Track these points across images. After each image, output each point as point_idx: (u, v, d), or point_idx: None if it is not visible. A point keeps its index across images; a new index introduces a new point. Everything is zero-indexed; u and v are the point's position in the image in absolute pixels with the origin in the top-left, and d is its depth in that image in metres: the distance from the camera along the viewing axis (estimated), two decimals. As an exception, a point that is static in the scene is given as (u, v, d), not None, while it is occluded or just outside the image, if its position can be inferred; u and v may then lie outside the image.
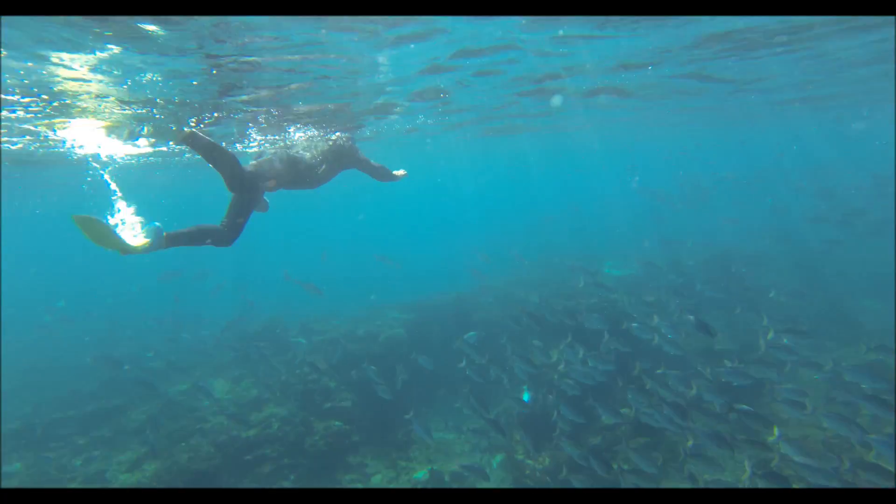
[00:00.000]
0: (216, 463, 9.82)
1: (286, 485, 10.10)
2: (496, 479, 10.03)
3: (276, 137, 11.43)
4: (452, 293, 16.35)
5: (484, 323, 14.28)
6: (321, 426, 11.49)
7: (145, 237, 4.67)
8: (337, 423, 11.66)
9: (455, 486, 9.84)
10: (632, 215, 27.45)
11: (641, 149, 42.14)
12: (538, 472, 9.01)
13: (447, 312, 15.04)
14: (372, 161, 7.24)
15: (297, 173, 6.19)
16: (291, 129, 10.66)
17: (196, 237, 5.05)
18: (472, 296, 16.02)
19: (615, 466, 8.12)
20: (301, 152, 6.49)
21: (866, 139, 40.82)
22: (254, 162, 5.87)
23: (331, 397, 12.46)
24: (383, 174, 7.33)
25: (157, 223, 4.74)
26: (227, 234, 5.30)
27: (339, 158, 6.94)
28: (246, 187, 5.47)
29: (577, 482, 7.92)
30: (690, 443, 7.67)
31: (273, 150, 6.17)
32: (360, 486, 10.40)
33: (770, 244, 18.55)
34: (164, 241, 4.78)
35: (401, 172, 7.61)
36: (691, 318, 7.84)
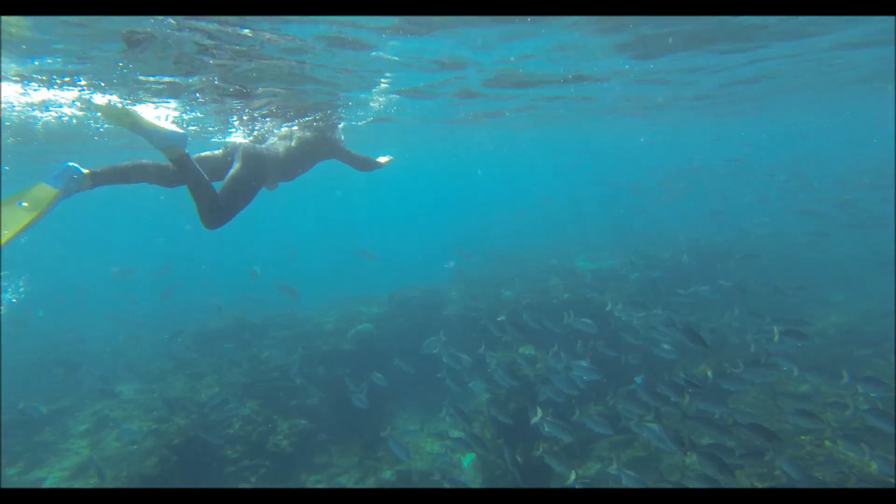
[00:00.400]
0: (170, 467, 9.28)
1: (246, 486, 9.65)
2: (467, 479, 9.80)
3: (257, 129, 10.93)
4: (423, 287, 16.01)
5: (455, 319, 14.01)
6: (286, 425, 11.06)
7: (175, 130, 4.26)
8: (302, 421, 11.25)
9: (424, 486, 9.57)
10: (607, 208, 27.59)
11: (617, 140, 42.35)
12: (509, 472, 8.80)
13: (417, 307, 14.70)
14: (353, 151, 6.85)
15: (262, 168, 5.60)
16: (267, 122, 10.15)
17: (200, 185, 4.44)
18: (444, 290, 15.72)
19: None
20: (275, 144, 6.04)
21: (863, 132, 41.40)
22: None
23: (296, 395, 12.03)
24: (366, 164, 6.96)
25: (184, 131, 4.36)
26: (219, 210, 4.61)
27: (318, 149, 6.51)
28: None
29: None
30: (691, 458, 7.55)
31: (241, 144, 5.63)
32: (324, 485, 10.03)
33: (755, 236, 18.78)
34: (179, 149, 4.31)
35: (386, 159, 7.28)
36: (679, 325, 7.60)
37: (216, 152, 5.44)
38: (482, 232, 27.88)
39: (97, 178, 4.10)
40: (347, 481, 10.06)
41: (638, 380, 8.22)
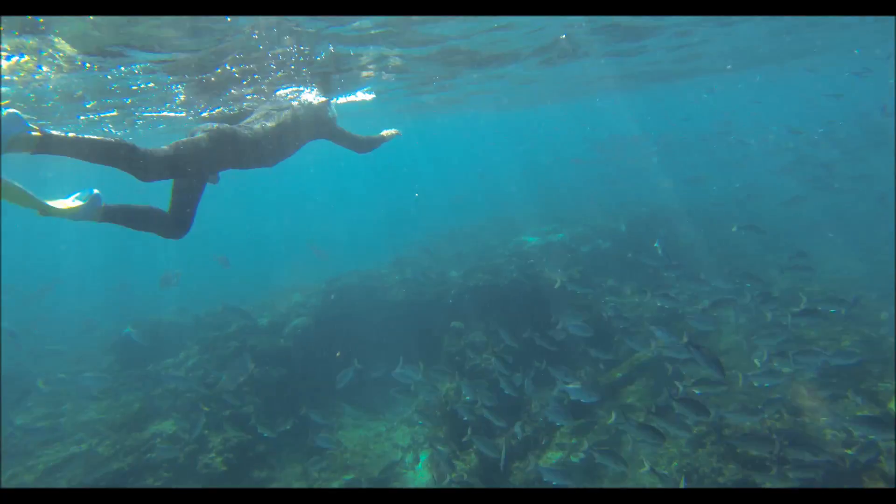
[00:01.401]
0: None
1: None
2: (421, 480, 9.12)
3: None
4: (363, 271, 14.97)
5: (398, 305, 13.12)
6: (218, 440, 9.92)
7: (78, 199, 3.76)
8: (237, 433, 10.16)
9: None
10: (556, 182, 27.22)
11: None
12: (465, 472, 8.16)
13: (358, 294, 13.68)
14: (349, 131, 5.96)
15: (237, 152, 4.69)
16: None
17: (139, 218, 4.15)
18: (386, 273, 14.75)
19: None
20: (250, 124, 5.06)
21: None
22: (175, 143, 4.27)
23: (229, 403, 10.86)
24: (365, 144, 6.08)
25: (97, 190, 3.85)
26: (174, 225, 4.44)
27: (305, 128, 5.53)
28: (177, 174, 4.32)
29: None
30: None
31: (208, 127, 4.58)
32: (267, 505, 9.09)
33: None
34: (100, 211, 3.86)
35: (391, 132, 6.45)
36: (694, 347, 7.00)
37: (197, 137, 4.57)
38: (427, 211, 26.95)
39: (47, 143, 3.44)
40: (291, 497, 9.16)
41: None
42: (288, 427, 10.53)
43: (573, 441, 8.38)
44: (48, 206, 3.60)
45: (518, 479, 7.94)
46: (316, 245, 17.68)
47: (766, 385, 7.17)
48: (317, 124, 5.76)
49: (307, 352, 12.00)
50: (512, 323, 10.23)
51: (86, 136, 3.64)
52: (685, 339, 7.34)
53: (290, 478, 9.55)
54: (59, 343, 15.43)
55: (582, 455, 7.77)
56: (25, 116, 3.37)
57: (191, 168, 4.29)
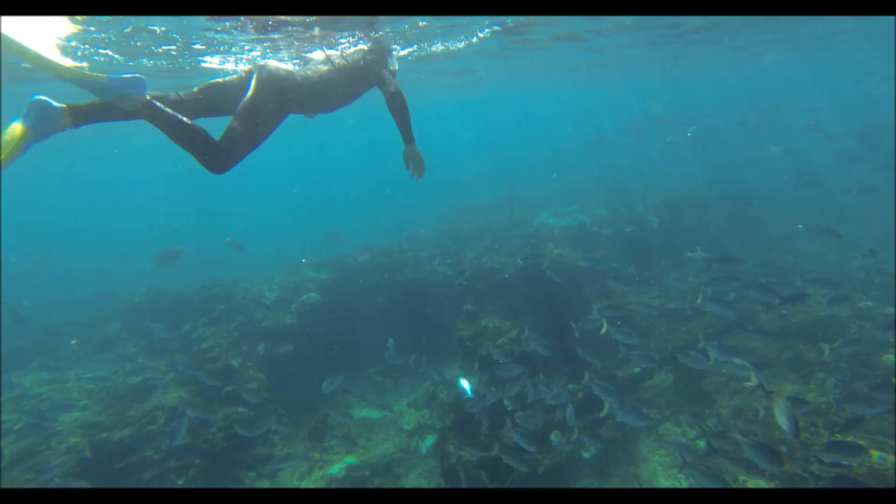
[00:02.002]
0: (66, 483, 7.84)
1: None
2: (425, 469, 8.77)
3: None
4: (376, 248, 14.52)
5: (412, 283, 12.70)
6: (220, 415, 9.70)
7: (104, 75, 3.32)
8: (240, 409, 9.92)
9: (378, 479, 8.52)
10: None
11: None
12: (471, 465, 7.76)
13: (369, 271, 13.28)
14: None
15: (281, 95, 4.30)
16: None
17: (183, 130, 3.52)
18: (399, 251, 14.27)
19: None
20: (307, 67, 4.78)
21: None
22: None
23: (233, 378, 10.62)
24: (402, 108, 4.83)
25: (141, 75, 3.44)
26: (220, 154, 3.70)
27: (363, 77, 4.97)
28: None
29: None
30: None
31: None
32: (266, 482, 8.87)
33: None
34: (140, 99, 3.40)
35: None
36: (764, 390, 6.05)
37: (230, 78, 4.43)
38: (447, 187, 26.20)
39: (77, 114, 3.34)
40: (291, 477, 8.92)
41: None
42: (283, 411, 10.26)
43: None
44: (60, 65, 3.13)
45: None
46: (337, 233, 17.06)
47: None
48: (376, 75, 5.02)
49: (314, 329, 11.68)
50: (532, 313, 9.75)
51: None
52: (754, 381, 6.19)
53: (291, 455, 9.30)
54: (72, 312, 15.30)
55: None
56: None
57: (291, 96, 4.21)
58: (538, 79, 23.89)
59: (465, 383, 8.73)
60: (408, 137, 4.55)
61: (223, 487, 8.64)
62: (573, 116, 52.20)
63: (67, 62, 3.37)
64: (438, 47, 11.82)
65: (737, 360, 6.42)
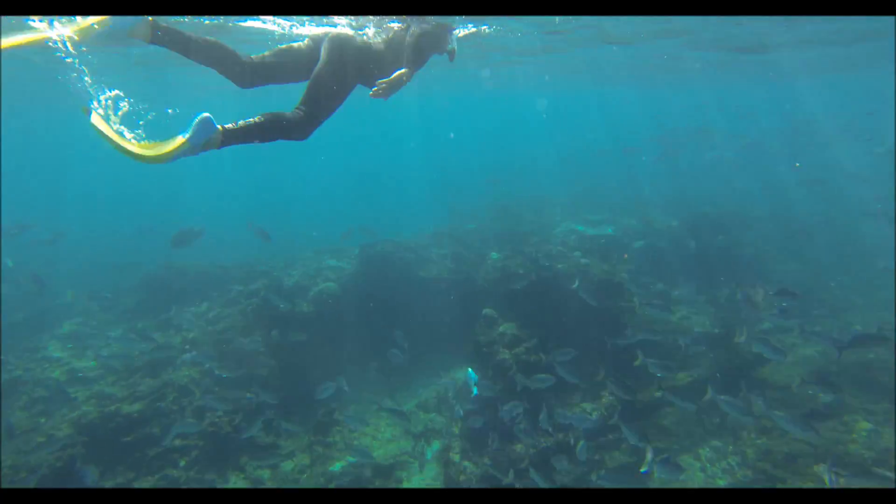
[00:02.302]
0: (74, 452, 7.87)
1: (174, 472, 8.34)
2: (429, 473, 8.54)
3: None
4: (399, 241, 14.29)
5: (433, 281, 12.44)
6: (228, 401, 9.65)
7: (180, 135, 3.27)
8: (248, 394, 9.86)
9: (378, 481, 8.33)
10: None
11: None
12: (475, 475, 7.50)
13: (390, 266, 13.06)
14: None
15: (345, 61, 4.33)
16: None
17: (266, 128, 3.60)
18: (423, 246, 14.03)
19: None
20: (372, 35, 4.81)
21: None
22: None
23: (244, 362, 10.58)
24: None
25: (206, 112, 3.37)
26: (303, 121, 3.82)
27: (428, 47, 5.03)
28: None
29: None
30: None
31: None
32: (267, 472, 8.77)
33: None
34: (219, 135, 3.39)
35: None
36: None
37: (299, 44, 4.45)
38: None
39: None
40: (292, 468, 8.81)
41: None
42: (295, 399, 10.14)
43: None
44: (138, 153, 3.14)
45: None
46: (366, 226, 16.87)
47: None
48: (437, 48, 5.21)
49: (329, 318, 11.54)
50: (554, 324, 9.38)
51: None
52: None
53: (294, 447, 9.20)
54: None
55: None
56: None
57: (362, 63, 4.31)
58: (579, 78, 23.25)
59: (472, 380, 8.53)
60: (409, 63, 4.47)
61: (223, 478, 8.58)
62: (613, 122, 50.94)
63: (141, 149, 3.16)
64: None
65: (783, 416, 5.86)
